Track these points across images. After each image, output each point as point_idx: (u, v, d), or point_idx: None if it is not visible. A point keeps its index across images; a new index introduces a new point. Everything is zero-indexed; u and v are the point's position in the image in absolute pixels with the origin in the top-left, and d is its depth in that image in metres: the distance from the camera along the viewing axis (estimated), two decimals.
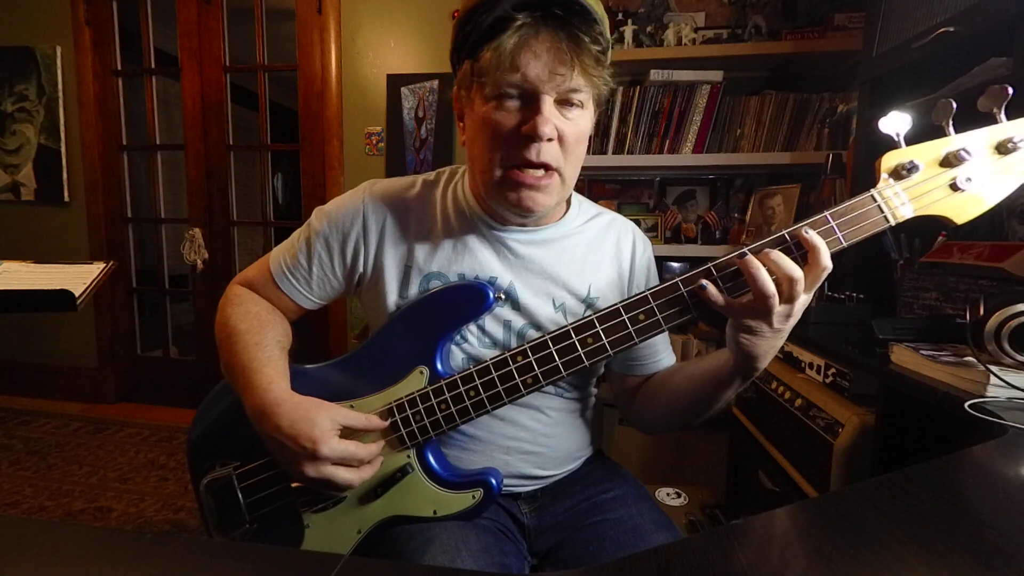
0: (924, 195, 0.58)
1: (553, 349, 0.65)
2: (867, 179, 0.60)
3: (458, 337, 0.73)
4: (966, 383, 0.70)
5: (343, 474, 0.64)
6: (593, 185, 2.04)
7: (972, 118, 0.58)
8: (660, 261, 1.62)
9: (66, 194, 2.54)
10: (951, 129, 0.58)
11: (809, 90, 1.69)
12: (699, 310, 0.61)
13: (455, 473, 0.72)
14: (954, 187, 0.57)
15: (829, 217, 0.58)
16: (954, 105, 0.57)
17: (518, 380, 0.66)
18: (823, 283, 0.59)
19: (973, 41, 1.00)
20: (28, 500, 1.78)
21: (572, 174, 0.69)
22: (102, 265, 1.19)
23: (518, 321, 0.74)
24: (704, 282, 0.59)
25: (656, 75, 1.70)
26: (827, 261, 0.55)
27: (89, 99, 2.49)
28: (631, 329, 0.63)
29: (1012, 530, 0.37)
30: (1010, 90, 0.55)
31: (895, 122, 0.59)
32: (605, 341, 0.63)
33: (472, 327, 0.73)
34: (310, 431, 0.62)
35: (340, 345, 2.45)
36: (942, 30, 1.04)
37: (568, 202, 0.79)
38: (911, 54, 1.15)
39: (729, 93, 1.73)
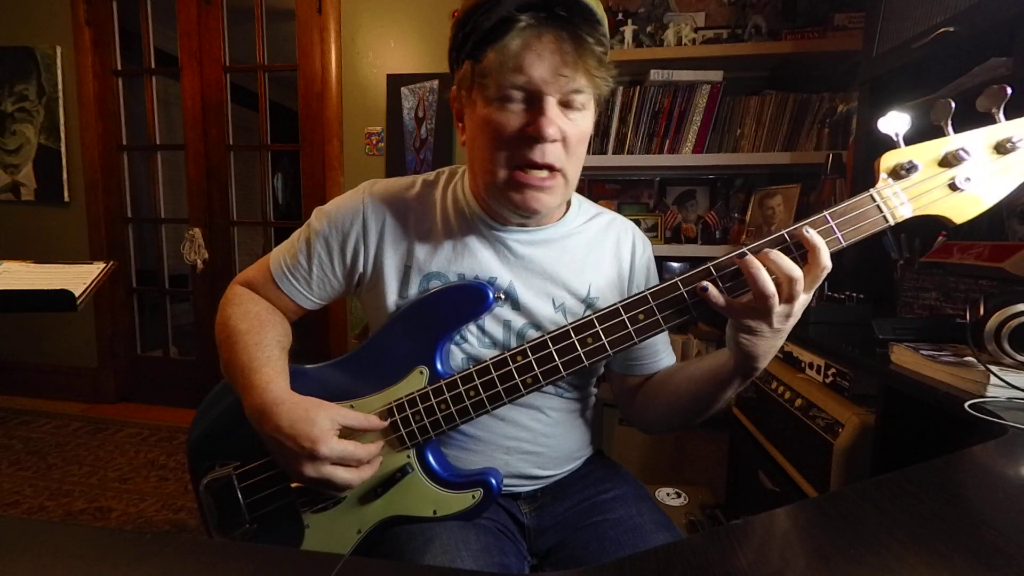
0: (923, 195, 0.58)
1: (553, 349, 0.65)
2: (867, 179, 0.60)
3: (458, 337, 0.73)
4: (966, 383, 0.70)
5: (342, 474, 0.64)
6: (593, 185, 2.04)
7: (972, 118, 0.58)
8: (660, 261, 1.62)
9: (66, 194, 2.55)
10: (950, 129, 0.58)
11: (809, 90, 1.69)
12: (698, 310, 0.61)
13: (455, 473, 0.72)
14: (953, 187, 0.57)
15: (828, 217, 0.58)
16: (953, 105, 0.57)
17: (518, 380, 0.66)
18: (823, 283, 0.59)
19: (973, 41, 1.00)
20: (28, 500, 1.78)
21: (575, 174, 0.69)
22: (102, 265, 1.19)
23: (518, 321, 0.74)
24: (706, 283, 0.59)
25: (656, 75, 1.70)
26: (827, 261, 0.55)
27: (89, 99, 2.49)
28: (631, 329, 0.63)
29: (1012, 530, 0.37)
30: (1008, 90, 0.55)
31: (894, 122, 0.59)
32: (605, 341, 0.63)
33: (472, 327, 0.73)
34: (309, 431, 0.62)
35: (340, 345, 2.45)
36: (942, 30, 1.04)
37: (568, 202, 0.79)
38: (911, 54, 1.15)
39: (729, 93, 1.73)
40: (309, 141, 2.38)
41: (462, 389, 0.67)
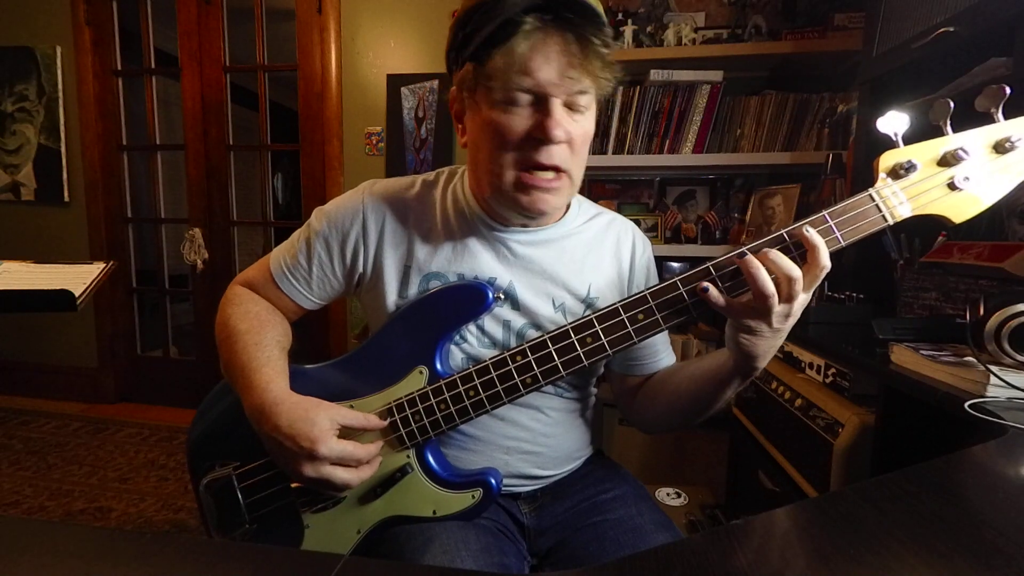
0: (922, 194, 0.58)
1: (552, 349, 0.65)
2: (867, 179, 0.60)
3: (457, 337, 0.73)
4: (966, 383, 0.70)
5: (341, 474, 0.64)
6: (593, 185, 2.04)
7: (972, 118, 0.58)
8: (660, 261, 1.62)
9: (66, 194, 2.55)
10: (949, 129, 0.58)
11: (809, 90, 1.69)
12: (698, 310, 0.61)
13: (455, 473, 0.72)
14: (952, 186, 0.57)
15: (827, 216, 0.58)
16: (951, 104, 0.57)
17: (517, 380, 0.66)
18: (823, 283, 0.59)
19: (973, 41, 1.00)
20: (28, 500, 1.78)
21: (579, 175, 0.69)
22: (102, 265, 1.19)
23: (517, 321, 0.74)
24: (706, 284, 0.59)
25: (656, 75, 1.70)
26: (826, 260, 0.55)
27: (89, 99, 2.49)
28: (630, 329, 0.63)
29: (1012, 530, 0.37)
30: (1007, 89, 0.55)
31: (893, 122, 0.59)
32: (604, 341, 0.63)
33: (471, 327, 0.73)
34: (308, 431, 0.62)
35: (340, 345, 2.45)
36: (942, 30, 1.04)
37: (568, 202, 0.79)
38: (911, 54, 1.15)
39: (729, 93, 1.73)
40: (309, 141, 2.38)
41: (462, 389, 0.67)
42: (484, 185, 0.70)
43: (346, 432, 0.66)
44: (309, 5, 2.27)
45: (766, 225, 1.75)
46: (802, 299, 0.56)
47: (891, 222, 0.58)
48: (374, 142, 2.31)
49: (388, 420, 0.69)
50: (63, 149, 2.52)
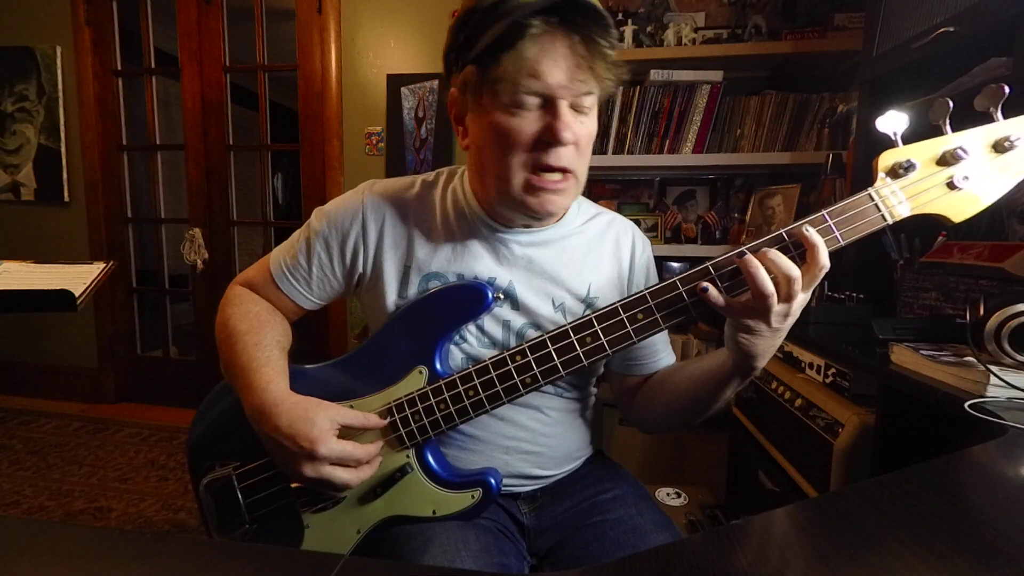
0: (921, 194, 0.58)
1: (552, 349, 0.65)
2: (867, 179, 0.60)
3: (457, 337, 0.73)
4: (966, 383, 0.70)
5: (341, 474, 0.64)
6: (593, 185, 2.04)
7: (972, 118, 0.58)
8: (660, 261, 1.62)
9: (66, 194, 2.55)
10: (948, 128, 0.58)
11: (809, 90, 1.69)
12: (697, 310, 0.61)
13: (454, 473, 0.72)
14: (951, 185, 0.57)
15: (827, 216, 0.58)
16: (951, 104, 0.57)
17: (517, 380, 0.66)
18: (822, 283, 0.59)
19: (973, 41, 1.00)
20: (28, 500, 1.78)
21: (584, 175, 0.70)
22: (102, 265, 1.19)
23: (517, 321, 0.74)
24: (705, 284, 0.59)
25: (656, 75, 1.70)
26: (825, 260, 0.55)
27: (89, 99, 2.49)
28: (629, 328, 0.63)
29: (1012, 530, 0.37)
30: (1006, 89, 0.55)
31: (892, 121, 0.59)
32: (603, 340, 0.63)
33: (471, 327, 0.73)
34: (308, 431, 0.62)
35: (340, 345, 2.45)
36: (942, 30, 1.04)
37: None
38: (911, 54, 1.15)
39: (729, 93, 1.73)
40: (309, 141, 2.38)
41: (461, 389, 0.67)
42: (490, 188, 0.70)
43: (346, 432, 0.66)
44: (309, 5, 2.27)
45: (766, 225, 1.75)
46: (801, 299, 0.56)
47: (890, 221, 0.58)
48: (374, 142, 2.31)
49: (388, 420, 0.69)
50: (63, 149, 2.52)
